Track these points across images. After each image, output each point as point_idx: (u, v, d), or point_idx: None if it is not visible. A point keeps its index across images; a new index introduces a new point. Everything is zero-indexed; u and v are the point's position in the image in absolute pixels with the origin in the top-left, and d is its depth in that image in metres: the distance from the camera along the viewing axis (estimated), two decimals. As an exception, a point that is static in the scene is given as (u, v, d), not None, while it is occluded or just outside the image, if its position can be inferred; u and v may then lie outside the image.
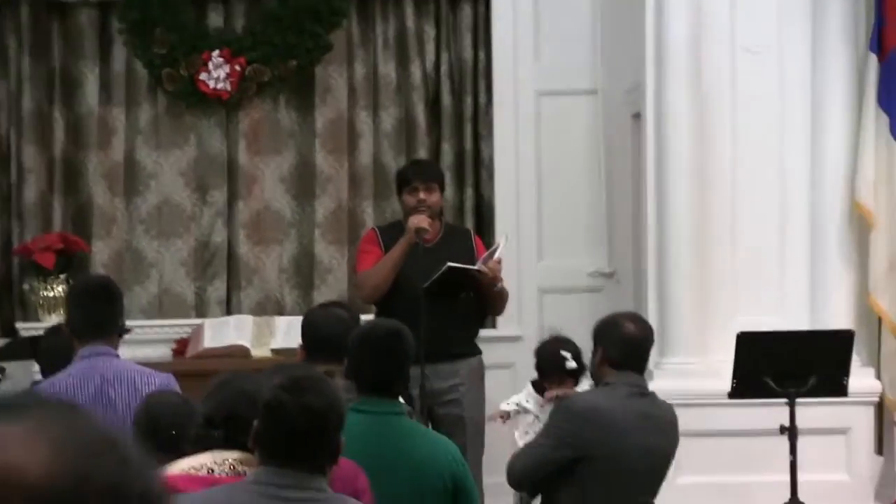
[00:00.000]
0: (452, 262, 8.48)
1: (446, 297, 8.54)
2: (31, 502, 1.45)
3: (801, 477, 8.24)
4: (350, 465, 5.11)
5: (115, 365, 6.39)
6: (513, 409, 7.90)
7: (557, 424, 7.15)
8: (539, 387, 7.86)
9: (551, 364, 7.87)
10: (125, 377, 6.33)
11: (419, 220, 8.59)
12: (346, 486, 4.89)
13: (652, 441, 7.06)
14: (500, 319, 10.12)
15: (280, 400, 4.66)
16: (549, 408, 7.52)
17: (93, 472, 1.50)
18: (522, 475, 6.94)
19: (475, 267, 8.60)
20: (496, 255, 8.74)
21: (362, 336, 5.98)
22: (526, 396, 7.91)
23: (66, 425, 1.56)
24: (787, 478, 8.22)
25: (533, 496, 7.20)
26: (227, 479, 4.74)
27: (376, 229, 9.27)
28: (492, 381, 8.96)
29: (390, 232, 8.93)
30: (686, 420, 7.54)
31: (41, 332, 8.67)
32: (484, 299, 8.82)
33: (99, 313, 7.05)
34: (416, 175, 8.98)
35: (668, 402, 7.37)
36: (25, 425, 1.52)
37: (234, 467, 4.79)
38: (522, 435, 7.57)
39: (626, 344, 7.35)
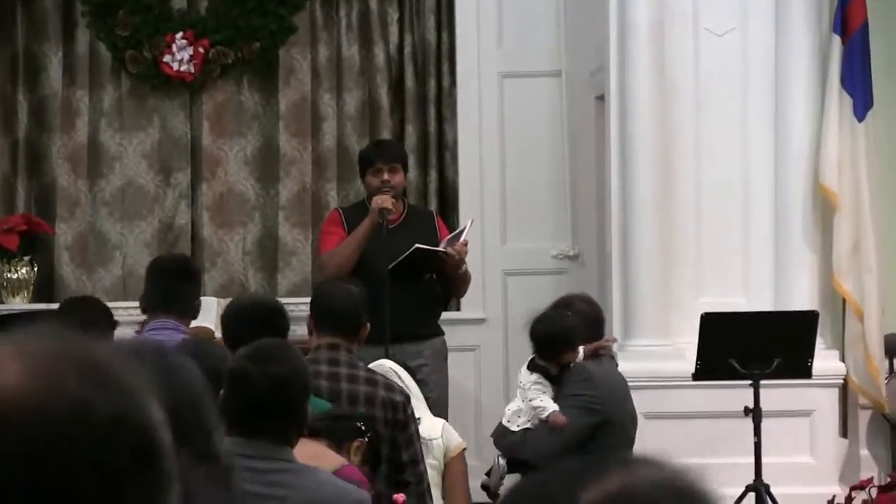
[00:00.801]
0: (416, 243, 8.52)
1: (410, 279, 8.53)
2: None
3: (766, 459, 8.22)
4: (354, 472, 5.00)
5: (176, 339, 6.41)
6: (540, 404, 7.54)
7: (580, 393, 7.35)
8: (539, 366, 7.61)
9: (561, 337, 7.65)
10: None
11: (383, 201, 8.53)
12: None
13: (632, 408, 7.42)
14: (463, 302, 10.09)
15: (245, 370, 4.60)
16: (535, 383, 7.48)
17: (62, 390, 1.46)
18: (561, 450, 7.01)
19: (443, 248, 8.60)
20: (462, 238, 8.74)
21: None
22: (524, 382, 7.65)
23: (49, 347, 1.51)
24: (752, 460, 8.19)
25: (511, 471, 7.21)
26: None
27: (340, 210, 9.27)
28: (456, 363, 8.94)
29: (354, 213, 8.92)
30: (650, 402, 7.97)
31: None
32: (448, 281, 8.81)
33: (171, 289, 7.44)
34: (380, 156, 8.94)
35: (633, 384, 7.59)
36: (3, 346, 1.50)
37: None
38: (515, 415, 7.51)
39: (593, 320, 7.66)
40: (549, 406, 7.39)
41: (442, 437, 6.91)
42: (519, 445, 7.28)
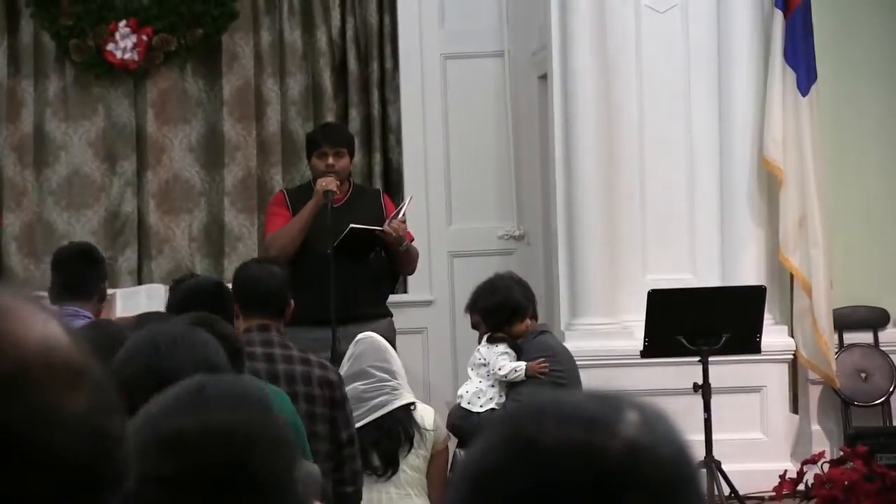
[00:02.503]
0: (360, 222, 8.42)
1: (356, 258, 8.41)
2: None
3: (716, 436, 8.13)
4: None
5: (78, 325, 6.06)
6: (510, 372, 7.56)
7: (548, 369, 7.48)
8: (499, 338, 7.59)
9: (515, 307, 7.68)
10: None
11: (327, 183, 8.41)
12: None
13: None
14: (411, 284, 10.13)
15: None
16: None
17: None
18: None
19: (377, 227, 8.50)
20: (400, 215, 8.68)
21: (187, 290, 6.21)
22: (488, 357, 7.62)
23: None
24: (702, 436, 8.06)
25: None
26: None
27: (284, 191, 9.13)
28: (403, 345, 8.65)
29: (299, 194, 8.80)
30: (599, 380, 7.85)
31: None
32: (393, 259, 8.69)
33: (70, 276, 7.34)
34: (326, 139, 8.84)
35: (581, 362, 7.74)
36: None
37: None
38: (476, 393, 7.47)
39: (532, 297, 7.93)
40: (520, 365, 7.36)
41: (436, 429, 6.80)
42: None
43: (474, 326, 7.98)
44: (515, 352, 7.53)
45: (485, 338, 7.70)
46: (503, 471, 1.57)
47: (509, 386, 7.36)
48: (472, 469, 1.61)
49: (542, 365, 7.49)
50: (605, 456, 1.50)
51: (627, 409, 1.56)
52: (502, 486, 1.56)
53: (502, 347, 7.53)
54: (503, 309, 7.68)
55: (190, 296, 6.47)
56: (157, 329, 4.17)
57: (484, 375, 7.52)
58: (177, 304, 6.43)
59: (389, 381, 6.48)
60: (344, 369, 6.53)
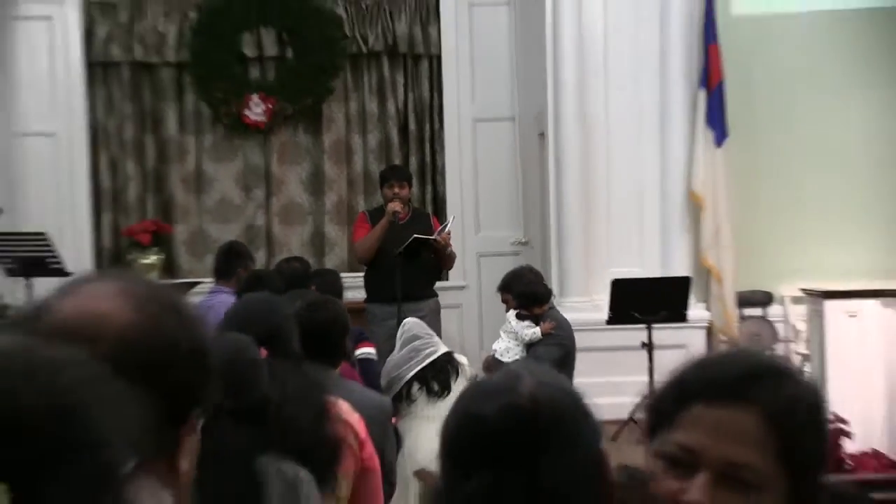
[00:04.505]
0: (417, 234, 8.38)
1: (414, 258, 8.39)
2: (117, 342, 1.40)
3: (656, 377, 7.86)
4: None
5: (227, 301, 6.12)
6: (531, 334, 7.52)
7: (555, 334, 7.35)
8: (526, 315, 7.58)
9: (540, 295, 7.69)
10: None
11: (394, 206, 8.46)
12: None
13: None
14: (451, 275, 9.99)
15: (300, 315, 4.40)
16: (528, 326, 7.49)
17: (161, 327, 1.46)
18: None
19: (432, 237, 8.47)
20: (446, 230, 8.62)
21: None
22: (517, 328, 7.58)
23: (145, 288, 1.51)
24: (647, 378, 8.21)
25: None
26: None
27: (366, 212, 9.09)
28: (446, 315, 8.80)
29: (375, 214, 8.78)
30: (579, 340, 7.57)
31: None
32: (439, 258, 8.66)
33: (221, 264, 7.64)
34: (393, 175, 8.82)
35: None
36: (115, 284, 1.49)
37: None
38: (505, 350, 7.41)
39: (549, 290, 7.86)
40: (536, 330, 7.37)
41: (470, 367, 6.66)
42: None
43: (504, 302, 7.93)
44: (535, 323, 7.53)
45: (514, 313, 7.65)
46: (452, 425, 1.77)
47: (528, 346, 7.34)
48: (449, 419, 1.80)
49: (551, 326, 7.47)
50: (517, 403, 1.69)
51: (525, 376, 1.74)
52: (452, 434, 1.77)
53: (527, 322, 7.51)
54: (532, 296, 7.69)
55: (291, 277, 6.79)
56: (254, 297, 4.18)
57: (512, 338, 7.49)
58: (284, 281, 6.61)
59: (432, 339, 6.30)
60: (399, 342, 6.38)
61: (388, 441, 4.77)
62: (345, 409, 3.92)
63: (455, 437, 1.77)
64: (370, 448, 4.07)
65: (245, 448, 2.82)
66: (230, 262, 7.90)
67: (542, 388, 1.72)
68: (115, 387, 1.13)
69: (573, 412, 1.74)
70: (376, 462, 4.17)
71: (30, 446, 1.03)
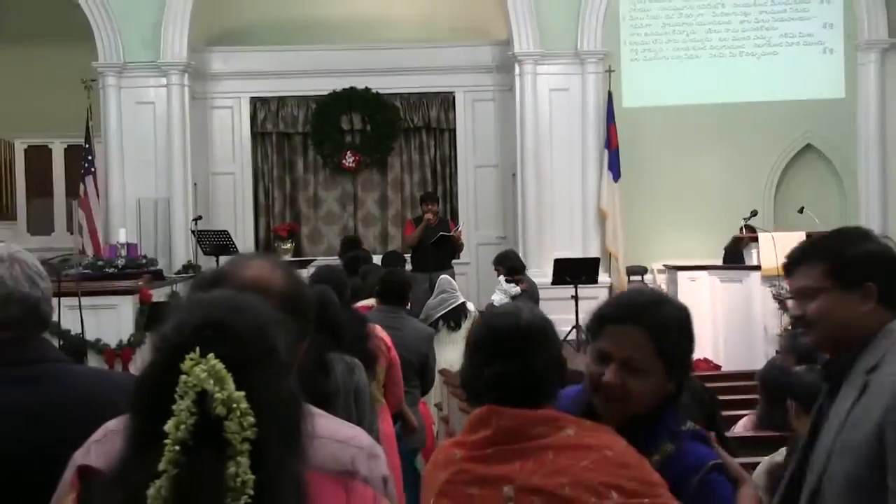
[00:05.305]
0: (443, 232, 8.52)
1: (439, 246, 8.52)
2: (279, 296, 1.33)
3: (580, 316, 8.27)
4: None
5: None
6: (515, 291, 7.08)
7: (527, 290, 7.04)
8: (510, 279, 7.28)
9: (516, 268, 7.54)
10: None
11: (428, 216, 8.62)
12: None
13: None
14: (462, 256, 9.50)
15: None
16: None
17: (303, 289, 1.45)
18: None
19: (452, 233, 8.59)
20: (459, 229, 8.84)
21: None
22: (506, 287, 7.21)
23: (284, 264, 1.45)
24: (573, 316, 8.45)
25: None
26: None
27: (411, 219, 9.22)
28: (457, 281, 7.56)
29: (417, 220, 8.83)
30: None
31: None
32: (454, 247, 8.72)
33: (342, 248, 6.88)
34: (427, 198, 8.98)
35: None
36: (271, 261, 1.44)
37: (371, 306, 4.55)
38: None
39: (524, 264, 7.60)
40: (518, 287, 7.14)
41: (475, 312, 6.10)
42: None
43: (496, 271, 7.53)
44: (516, 284, 7.17)
45: (504, 278, 7.29)
46: (479, 333, 1.75)
47: (512, 298, 6.91)
48: (477, 329, 1.76)
49: (525, 286, 7.16)
50: (517, 322, 1.69)
51: (523, 308, 1.73)
52: (479, 338, 1.73)
53: (512, 284, 7.17)
54: (514, 268, 7.47)
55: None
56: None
57: (503, 293, 7.13)
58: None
59: (455, 293, 6.14)
60: (436, 291, 6.16)
61: (431, 353, 4.54)
62: (378, 330, 3.76)
63: (480, 339, 1.72)
64: (394, 352, 3.92)
65: (322, 346, 2.67)
66: (347, 246, 7.59)
67: (531, 314, 1.70)
68: (280, 318, 1.17)
69: (547, 329, 1.71)
70: (398, 360, 3.93)
71: (241, 351, 1.10)
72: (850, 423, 1.80)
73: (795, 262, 1.94)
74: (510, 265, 7.50)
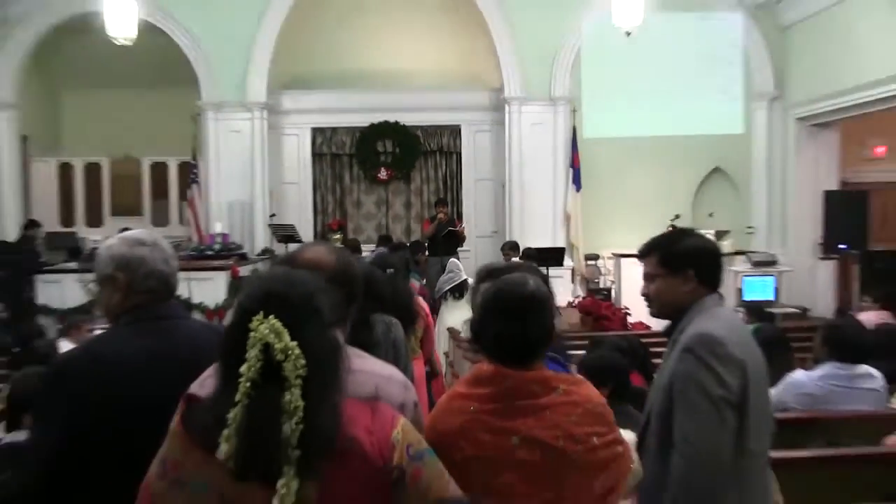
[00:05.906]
0: (451, 228, 8.72)
1: (448, 238, 8.68)
2: (330, 272, 1.32)
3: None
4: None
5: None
6: None
7: None
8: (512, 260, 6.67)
9: (515, 251, 7.67)
10: None
11: (440, 216, 8.83)
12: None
13: None
14: (465, 245, 9.61)
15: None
16: None
17: (351, 267, 1.43)
18: None
19: (457, 229, 8.79)
20: (463, 226, 9.10)
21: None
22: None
23: (337, 249, 1.39)
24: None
25: None
26: None
27: (428, 218, 9.42)
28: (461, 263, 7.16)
29: (432, 219, 9.01)
30: None
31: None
32: (459, 239, 8.87)
33: (379, 243, 6.52)
34: (440, 202, 9.17)
35: None
36: (327, 247, 1.42)
37: None
38: None
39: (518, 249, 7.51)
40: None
41: None
42: None
43: (503, 253, 7.54)
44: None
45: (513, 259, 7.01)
46: (487, 298, 1.63)
47: None
48: (487, 291, 1.64)
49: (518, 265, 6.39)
50: (523, 291, 1.62)
51: (530, 279, 1.66)
52: (489, 297, 1.63)
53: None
54: (515, 250, 7.59)
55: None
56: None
57: None
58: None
59: (460, 272, 6.08)
60: (446, 270, 6.08)
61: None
62: (419, 299, 3.82)
63: (490, 300, 1.65)
64: (430, 318, 3.95)
65: (366, 309, 2.09)
66: (383, 243, 7.49)
67: (536, 286, 1.66)
68: (329, 289, 1.17)
69: (546, 296, 1.66)
70: (432, 323, 3.97)
71: (294, 313, 1.10)
72: (662, 369, 1.92)
73: (643, 253, 2.03)
74: (514, 250, 7.71)
